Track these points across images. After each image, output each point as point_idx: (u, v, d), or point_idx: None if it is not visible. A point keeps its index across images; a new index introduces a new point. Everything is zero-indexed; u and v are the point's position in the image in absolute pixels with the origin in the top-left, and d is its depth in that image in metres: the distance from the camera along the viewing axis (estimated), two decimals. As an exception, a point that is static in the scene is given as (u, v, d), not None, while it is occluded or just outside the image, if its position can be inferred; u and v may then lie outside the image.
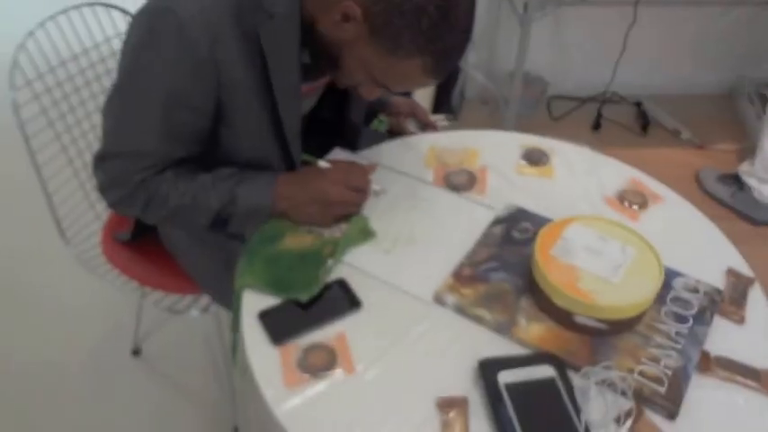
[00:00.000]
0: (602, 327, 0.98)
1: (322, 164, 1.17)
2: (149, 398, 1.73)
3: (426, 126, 1.46)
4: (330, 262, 1.07)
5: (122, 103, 1.07)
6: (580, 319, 0.98)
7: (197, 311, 1.40)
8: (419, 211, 1.19)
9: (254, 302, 1.03)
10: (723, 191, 2.40)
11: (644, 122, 2.77)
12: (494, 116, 2.71)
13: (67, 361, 1.80)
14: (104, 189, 1.12)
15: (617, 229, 1.08)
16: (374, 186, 1.18)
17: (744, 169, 2.34)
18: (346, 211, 1.14)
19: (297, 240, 1.11)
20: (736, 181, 2.37)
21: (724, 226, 1.22)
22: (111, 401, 1.72)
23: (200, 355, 1.66)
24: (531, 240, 1.12)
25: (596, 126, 2.76)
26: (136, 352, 1.82)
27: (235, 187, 1.10)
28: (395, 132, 1.46)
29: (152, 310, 1.42)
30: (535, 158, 1.33)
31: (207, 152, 1.13)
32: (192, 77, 1.01)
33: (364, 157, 1.30)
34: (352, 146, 1.34)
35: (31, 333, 1.85)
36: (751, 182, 2.31)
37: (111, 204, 1.15)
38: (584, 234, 1.07)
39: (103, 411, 1.70)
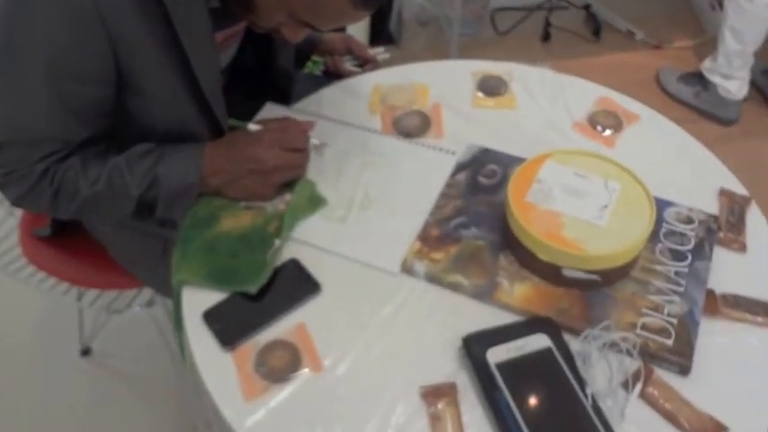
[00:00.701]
0: (594, 278, 0.86)
1: (252, 127, 1.01)
2: (105, 398, 1.59)
3: (366, 62, 1.30)
4: (278, 241, 0.93)
5: (0, 83, 0.89)
6: (569, 273, 0.86)
7: (140, 307, 1.25)
8: (371, 168, 1.04)
9: (195, 300, 0.89)
10: (686, 91, 2.29)
11: (595, 27, 2.63)
12: (437, 39, 2.54)
13: (8, 372, 1.64)
14: (2, 185, 0.95)
15: (596, 161, 0.96)
16: (313, 140, 1.03)
17: (706, 66, 2.22)
18: (288, 176, 0.99)
19: (235, 220, 0.96)
20: (699, 80, 2.26)
21: (691, 129, 1.11)
22: (64, 407, 1.58)
23: (155, 346, 1.52)
24: (500, 185, 1.00)
25: (546, 37, 2.61)
26: (85, 352, 1.67)
27: (154, 167, 0.94)
28: (332, 74, 1.30)
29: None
30: (492, 88, 1.18)
31: (119, 129, 0.97)
32: (76, 39, 0.83)
33: (300, 110, 1.14)
34: (286, 96, 1.18)
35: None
36: (715, 79, 2.20)
37: (14, 201, 0.98)
38: (560, 172, 0.94)
39: (57, 418, 1.56)
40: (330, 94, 1.17)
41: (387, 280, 0.91)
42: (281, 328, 0.86)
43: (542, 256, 0.86)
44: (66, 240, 1.24)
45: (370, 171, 1.04)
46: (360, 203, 0.99)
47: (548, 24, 2.61)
